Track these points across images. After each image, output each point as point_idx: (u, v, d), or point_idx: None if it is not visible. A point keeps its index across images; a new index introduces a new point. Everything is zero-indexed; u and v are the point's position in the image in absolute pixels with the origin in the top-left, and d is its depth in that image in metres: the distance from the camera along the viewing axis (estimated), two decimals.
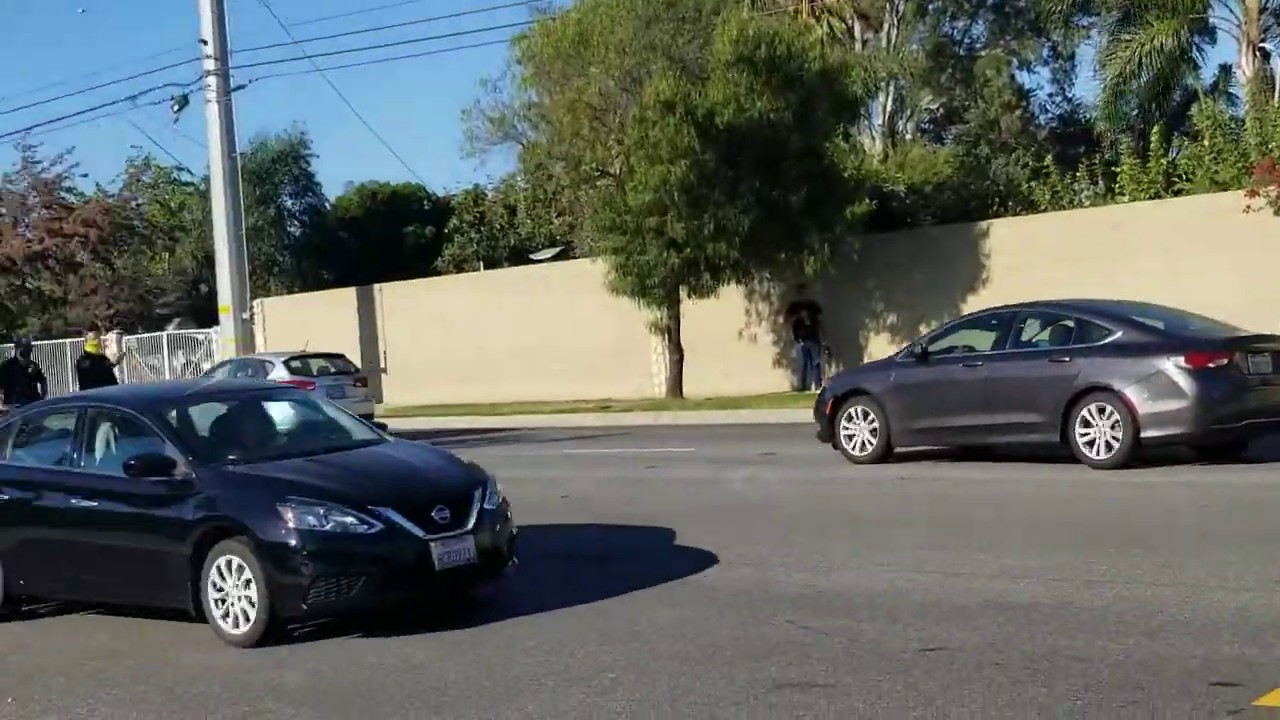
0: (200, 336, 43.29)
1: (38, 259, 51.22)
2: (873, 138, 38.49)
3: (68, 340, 44.32)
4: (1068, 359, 15.01)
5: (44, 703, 8.19)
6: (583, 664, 8.12)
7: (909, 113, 41.45)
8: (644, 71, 28.24)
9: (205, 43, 36.29)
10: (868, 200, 28.15)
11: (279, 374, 28.25)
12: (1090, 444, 14.63)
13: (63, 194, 52.87)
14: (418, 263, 47.51)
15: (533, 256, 43.03)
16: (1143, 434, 14.36)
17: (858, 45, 37.88)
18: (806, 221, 26.98)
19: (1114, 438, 14.45)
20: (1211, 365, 14.34)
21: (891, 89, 39.16)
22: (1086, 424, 14.63)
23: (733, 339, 30.76)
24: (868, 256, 28.89)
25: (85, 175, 61.23)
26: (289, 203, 54.31)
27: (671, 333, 29.84)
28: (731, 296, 30.18)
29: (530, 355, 33.84)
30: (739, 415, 25.97)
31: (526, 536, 10.81)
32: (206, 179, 49.13)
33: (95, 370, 21.05)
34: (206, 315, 48.78)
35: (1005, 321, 16.43)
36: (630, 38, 28.41)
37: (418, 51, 66.08)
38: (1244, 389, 14.44)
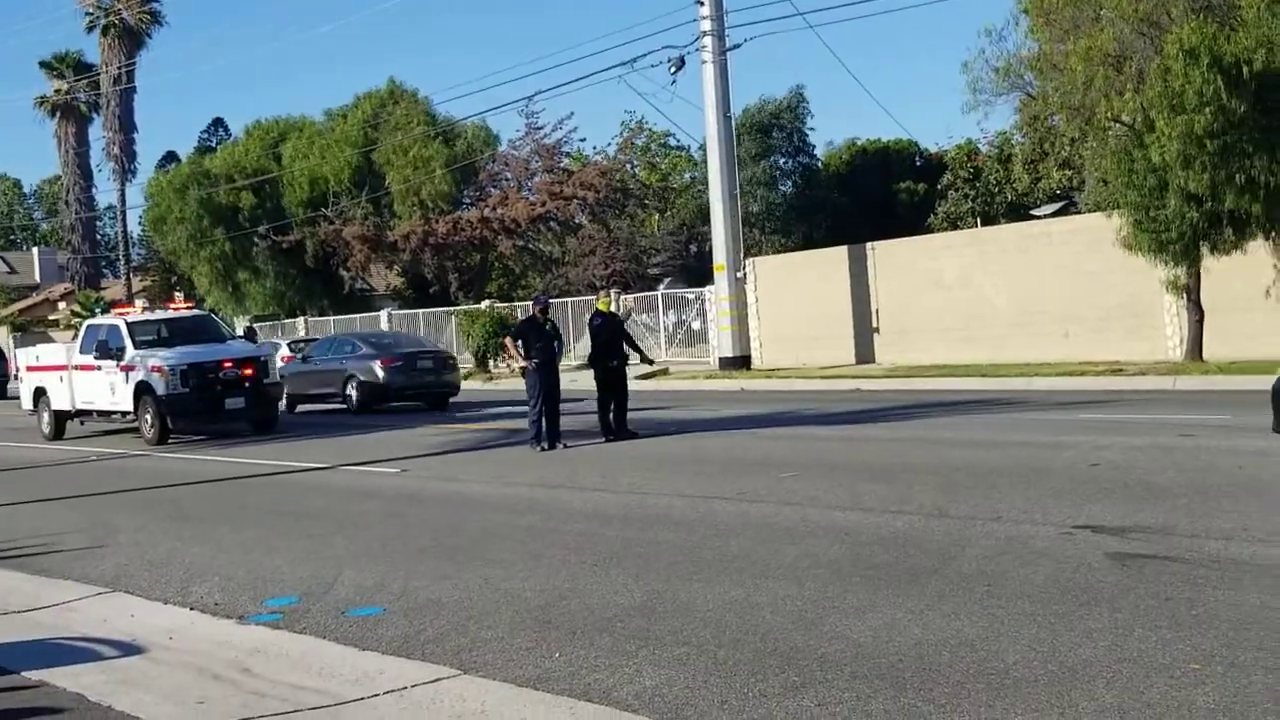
0: (691, 295, 44.04)
1: (540, 221, 53.65)
2: None
3: (569, 300, 46.04)
4: (345, 361, 32.25)
5: (589, 661, 8.03)
6: (1156, 651, 7.26)
7: None
8: (1164, 14, 26.34)
9: (701, 3, 36.72)
10: None
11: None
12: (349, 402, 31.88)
13: (561, 158, 55.07)
14: (909, 220, 46.82)
15: (1033, 213, 41.40)
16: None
17: None
18: None
19: (353, 397, 31.39)
20: (393, 364, 30.97)
21: None
22: (349, 392, 31.51)
23: (1258, 299, 28.32)
24: None
25: (583, 140, 63.48)
26: (782, 161, 54.61)
27: (1191, 292, 27.85)
28: (1258, 253, 27.80)
29: (1028, 315, 32.60)
30: (1270, 381, 23.94)
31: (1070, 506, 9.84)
32: (696, 143, 49.92)
33: (608, 327, 21.46)
34: (695, 275, 49.78)
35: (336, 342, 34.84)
36: None
37: (913, 3, 64.70)
38: (411, 375, 31.18)
